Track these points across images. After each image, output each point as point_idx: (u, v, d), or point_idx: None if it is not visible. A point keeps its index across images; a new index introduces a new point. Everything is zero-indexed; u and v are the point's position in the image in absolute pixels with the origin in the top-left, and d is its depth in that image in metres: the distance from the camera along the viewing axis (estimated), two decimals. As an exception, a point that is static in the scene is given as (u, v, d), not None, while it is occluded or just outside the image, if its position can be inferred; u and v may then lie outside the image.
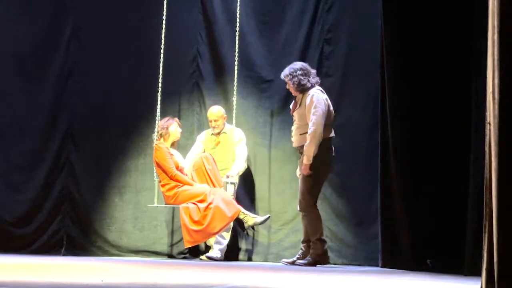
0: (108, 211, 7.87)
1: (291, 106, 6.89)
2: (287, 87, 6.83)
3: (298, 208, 6.79)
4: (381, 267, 6.69)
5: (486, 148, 3.82)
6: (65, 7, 8.11)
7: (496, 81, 3.67)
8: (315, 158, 6.56)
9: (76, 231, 7.86)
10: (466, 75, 6.03)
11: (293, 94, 6.84)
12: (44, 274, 4.70)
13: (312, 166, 6.56)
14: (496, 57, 3.66)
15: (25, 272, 4.79)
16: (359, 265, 7.10)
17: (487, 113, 3.81)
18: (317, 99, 6.58)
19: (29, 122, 8.02)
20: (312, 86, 6.70)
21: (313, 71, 6.79)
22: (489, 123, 3.75)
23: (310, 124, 6.52)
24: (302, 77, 6.68)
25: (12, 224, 7.86)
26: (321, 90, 6.71)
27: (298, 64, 6.82)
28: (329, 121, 6.64)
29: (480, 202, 4.00)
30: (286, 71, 6.78)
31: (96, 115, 7.95)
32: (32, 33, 8.10)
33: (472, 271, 5.38)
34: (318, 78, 6.78)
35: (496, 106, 3.70)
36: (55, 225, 7.88)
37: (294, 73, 6.70)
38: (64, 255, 7.66)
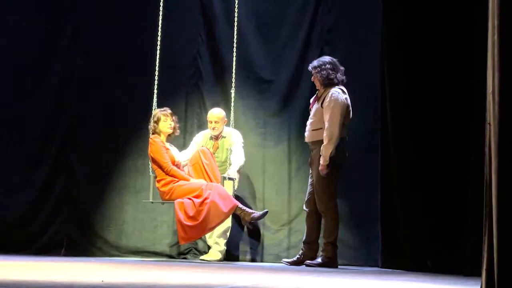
0: (107, 212, 7.88)
1: (311, 100, 6.79)
2: (312, 79, 6.70)
3: (304, 207, 6.74)
4: (381, 267, 6.71)
5: (486, 149, 3.82)
6: (64, 8, 8.12)
7: (496, 81, 3.67)
8: (330, 158, 6.51)
9: (76, 232, 7.86)
10: (466, 75, 6.05)
11: (317, 87, 6.70)
12: (45, 274, 4.70)
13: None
14: (496, 58, 3.66)
15: (25, 272, 4.79)
16: (359, 265, 7.10)
17: (487, 114, 3.81)
18: (336, 99, 6.49)
19: (29, 123, 8.02)
20: (338, 83, 6.61)
21: (342, 68, 6.67)
22: (489, 124, 3.75)
23: (327, 125, 6.45)
24: (331, 71, 6.57)
25: (12, 225, 7.86)
26: (342, 90, 6.60)
27: (327, 58, 6.72)
28: (345, 122, 6.57)
29: (480, 203, 4.00)
30: (315, 63, 6.67)
31: (96, 116, 7.96)
32: (32, 35, 8.10)
33: (472, 272, 5.38)
34: (345, 77, 6.66)
35: (496, 107, 3.70)
36: (55, 226, 7.88)
37: (323, 66, 6.59)
38: (64, 255, 7.66)
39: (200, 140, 7.37)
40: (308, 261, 6.58)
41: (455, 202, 6.11)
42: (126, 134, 7.91)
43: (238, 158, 7.07)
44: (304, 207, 6.76)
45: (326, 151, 6.45)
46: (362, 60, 7.47)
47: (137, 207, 7.81)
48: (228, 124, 7.27)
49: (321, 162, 6.47)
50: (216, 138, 7.29)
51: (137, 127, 7.85)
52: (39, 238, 7.83)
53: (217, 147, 7.28)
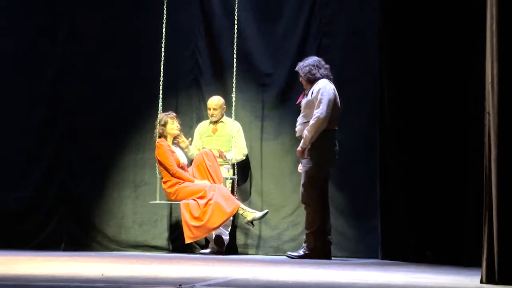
0: (107, 207, 7.87)
1: (299, 98, 6.87)
2: (300, 79, 6.84)
3: (301, 201, 6.79)
4: (381, 259, 6.72)
5: (486, 139, 3.83)
6: (62, 2, 8.08)
7: (495, 71, 3.68)
8: (318, 150, 6.53)
9: (75, 227, 7.85)
10: (465, 65, 6.05)
11: (304, 87, 6.82)
12: (45, 268, 4.71)
13: (314, 158, 6.54)
14: (495, 47, 3.66)
15: (26, 266, 4.79)
16: (359, 257, 7.10)
17: (486, 103, 3.82)
18: (324, 87, 6.58)
19: (27, 117, 7.98)
20: (322, 78, 6.70)
21: (327, 65, 6.79)
22: (488, 113, 3.76)
23: (315, 111, 6.52)
24: (312, 67, 6.70)
25: (11, 220, 7.84)
26: (329, 81, 6.69)
27: (312, 57, 6.87)
28: (334, 114, 6.61)
29: (480, 193, 4.00)
30: (300, 63, 6.83)
31: (95, 110, 7.93)
32: (29, 30, 8.07)
33: (472, 262, 5.39)
34: (330, 72, 6.78)
35: (495, 96, 3.71)
36: (55, 221, 7.86)
37: (306, 64, 6.75)
38: (63, 250, 7.65)
39: (200, 128, 7.59)
40: (289, 253, 6.72)
41: (454, 193, 6.12)
42: (125, 128, 7.89)
43: (238, 153, 7.38)
44: (301, 201, 6.81)
45: (308, 134, 6.53)
46: (361, 52, 7.45)
47: (137, 202, 7.81)
48: (228, 117, 7.40)
49: (300, 144, 6.55)
50: (215, 122, 7.52)
51: (135, 121, 7.84)
52: (39, 233, 7.81)
53: (216, 130, 7.51)
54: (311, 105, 6.62)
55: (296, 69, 6.85)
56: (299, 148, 6.62)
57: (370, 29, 7.23)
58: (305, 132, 6.56)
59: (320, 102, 6.53)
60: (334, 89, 6.67)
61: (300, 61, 6.90)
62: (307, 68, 6.72)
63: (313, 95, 6.62)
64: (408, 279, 4.42)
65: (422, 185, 6.40)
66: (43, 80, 8.05)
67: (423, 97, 6.44)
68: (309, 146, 6.56)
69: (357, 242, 7.31)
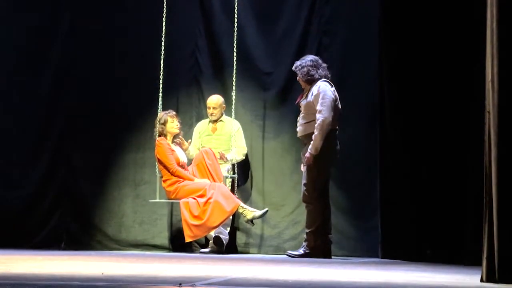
0: (107, 206, 7.87)
1: (298, 98, 6.87)
2: (298, 79, 6.82)
3: (302, 200, 6.79)
4: (381, 258, 6.73)
5: (486, 137, 3.83)
6: (62, 2, 8.07)
7: (496, 69, 3.68)
8: (319, 150, 6.53)
9: (75, 226, 7.85)
10: (465, 64, 6.05)
11: (302, 87, 6.82)
12: (45, 267, 4.71)
13: (315, 158, 6.55)
14: (495, 46, 3.67)
15: (26, 265, 4.79)
16: (359, 256, 7.11)
17: (486, 102, 3.82)
18: (324, 90, 6.57)
19: (27, 116, 7.99)
20: (320, 79, 6.69)
21: (324, 64, 6.78)
22: (489, 112, 3.76)
23: (318, 115, 6.50)
24: (311, 68, 6.69)
25: (11, 219, 7.85)
26: (329, 82, 6.68)
27: (309, 57, 6.84)
28: (335, 114, 6.61)
29: (480, 191, 4.00)
30: (297, 62, 6.80)
31: (95, 109, 7.94)
32: (29, 30, 8.07)
33: (472, 260, 5.39)
34: (328, 71, 6.76)
35: (495, 95, 3.71)
36: (55, 220, 7.86)
37: (304, 64, 6.72)
38: (63, 249, 7.66)
39: (200, 127, 7.60)
40: (289, 251, 6.74)
41: (454, 192, 6.12)
42: (125, 127, 7.89)
43: (238, 154, 7.38)
44: (302, 200, 6.81)
45: (316, 141, 6.50)
46: (361, 51, 7.46)
47: (137, 201, 7.82)
48: (228, 116, 7.40)
49: (310, 151, 6.51)
50: (215, 121, 7.52)
51: (135, 120, 7.85)
52: (39, 232, 7.82)
53: (215, 129, 7.52)
54: (311, 106, 6.62)
55: (293, 69, 6.82)
56: (308, 155, 6.54)
57: (370, 28, 7.23)
58: (313, 140, 6.51)
59: (322, 106, 6.51)
60: (334, 90, 6.66)
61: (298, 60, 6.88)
62: (305, 69, 6.70)
63: (313, 97, 6.60)
64: (408, 278, 4.42)
65: (422, 185, 6.40)
66: (43, 80, 8.06)
67: (423, 97, 6.45)
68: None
69: (357, 241, 7.33)
